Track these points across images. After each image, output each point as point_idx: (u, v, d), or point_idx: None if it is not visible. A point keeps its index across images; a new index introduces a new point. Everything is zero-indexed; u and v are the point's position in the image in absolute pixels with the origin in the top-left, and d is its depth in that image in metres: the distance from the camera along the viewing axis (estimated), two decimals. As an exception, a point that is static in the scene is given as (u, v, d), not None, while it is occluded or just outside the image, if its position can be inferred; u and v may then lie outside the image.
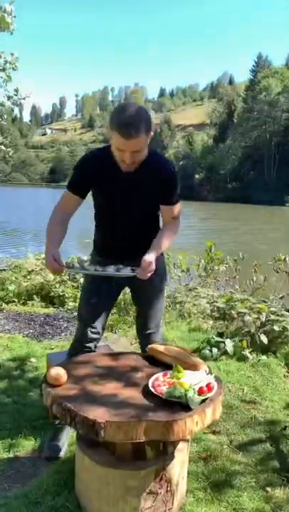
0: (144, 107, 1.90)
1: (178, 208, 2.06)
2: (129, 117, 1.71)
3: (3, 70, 5.44)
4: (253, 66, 72.45)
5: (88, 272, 2.02)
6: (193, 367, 1.76)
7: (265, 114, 54.60)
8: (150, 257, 1.87)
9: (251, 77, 71.07)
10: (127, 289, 2.40)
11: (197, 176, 60.19)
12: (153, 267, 1.87)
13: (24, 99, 6.14)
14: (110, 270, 1.92)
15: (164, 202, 2.02)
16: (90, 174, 1.95)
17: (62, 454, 2.07)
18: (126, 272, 1.90)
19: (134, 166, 1.85)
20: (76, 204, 2.03)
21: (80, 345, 2.15)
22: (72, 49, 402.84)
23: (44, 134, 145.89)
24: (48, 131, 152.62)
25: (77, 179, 2.00)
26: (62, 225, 2.01)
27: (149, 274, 1.87)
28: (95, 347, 2.18)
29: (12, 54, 5.46)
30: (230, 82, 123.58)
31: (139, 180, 1.92)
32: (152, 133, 1.81)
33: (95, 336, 2.13)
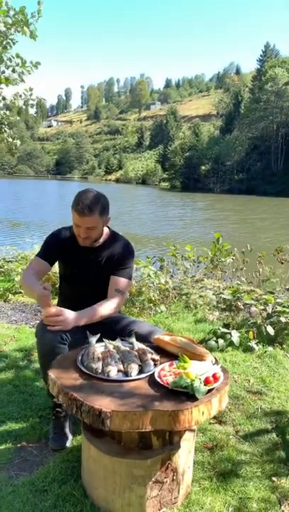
0: (104, 195, 2.10)
1: (124, 283, 2.15)
2: (86, 199, 2.00)
3: (14, 71, 5.41)
4: (261, 56, 71.60)
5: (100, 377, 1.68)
6: (200, 357, 1.76)
7: (273, 104, 53.96)
8: (71, 315, 1.89)
9: (258, 66, 70.29)
10: (134, 282, 2.40)
11: (203, 168, 59.86)
12: (60, 318, 1.85)
13: (34, 100, 6.22)
14: (131, 373, 1.69)
15: (113, 273, 2.15)
16: (56, 249, 2.20)
17: (68, 444, 2.08)
18: (145, 370, 1.72)
19: (89, 242, 2.10)
20: (44, 267, 2.18)
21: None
22: (77, 39, 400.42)
23: (50, 126, 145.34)
24: (54, 123, 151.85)
25: (44, 252, 2.21)
26: (35, 275, 2.11)
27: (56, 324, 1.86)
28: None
29: (32, 61, 5.47)
30: (237, 72, 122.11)
31: (98, 257, 2.17)
32: (109, 217, 2.12)
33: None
